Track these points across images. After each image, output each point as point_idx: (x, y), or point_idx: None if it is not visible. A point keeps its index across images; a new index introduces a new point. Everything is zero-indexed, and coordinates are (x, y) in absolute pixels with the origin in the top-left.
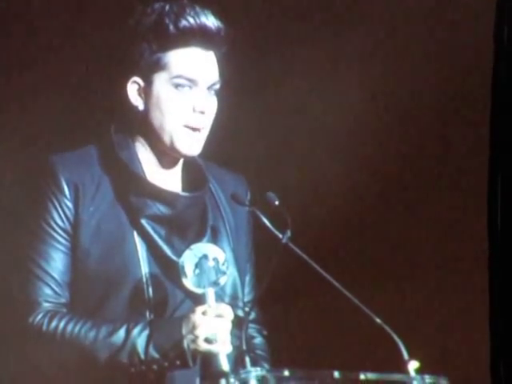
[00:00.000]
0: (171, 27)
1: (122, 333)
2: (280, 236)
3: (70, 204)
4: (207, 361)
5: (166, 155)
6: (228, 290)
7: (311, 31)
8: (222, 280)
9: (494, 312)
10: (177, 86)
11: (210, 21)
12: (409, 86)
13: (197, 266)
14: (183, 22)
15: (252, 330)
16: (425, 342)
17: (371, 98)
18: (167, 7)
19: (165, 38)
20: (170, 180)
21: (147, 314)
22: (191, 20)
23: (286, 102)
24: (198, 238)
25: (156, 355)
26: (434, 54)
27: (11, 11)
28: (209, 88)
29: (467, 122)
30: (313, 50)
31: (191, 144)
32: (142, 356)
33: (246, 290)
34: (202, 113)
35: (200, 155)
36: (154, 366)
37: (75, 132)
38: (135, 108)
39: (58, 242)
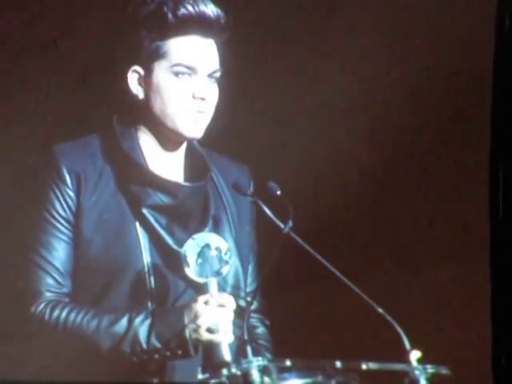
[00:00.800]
0: (170, 15)
1: (124, 322)
2: (282, 226)
3: (71, 193)
4: (209, 350)
5: (169, 142)
6: (230, 280)
7: (314, 21)
8: (225, 270)
9: (496, 302)
10: (177, 73)
11: (209, 9)
12: (408, 83)
13: (199, 255)
14: (182, 10)
15: (254, 319)
16: (426, 331)
17: (371, 90)
18: None
19: (164, 26)
20: (172, 170)
21: (149, 303)
22: (190, 8)
23: (288, 91)
24: (199, 228)
25: (158, 344)
26: (434, 51)
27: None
28: (209, 75)
29: (468, 119)
30: (315, 39)
31: (193, 126)
32: (144, 345)
33: (249, 279)
34: (203, 99)
35: (202, 144)
36: (156, 356)
37: (77, 121)
38: (136, 97)
39: (60, 231)
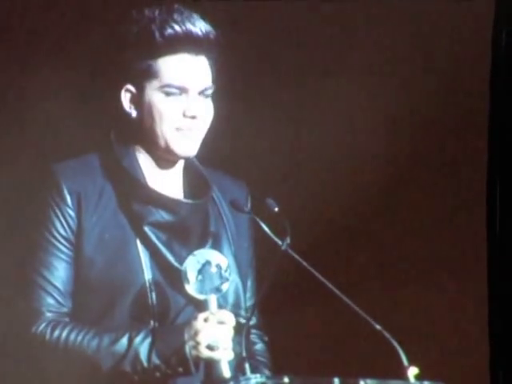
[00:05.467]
0: (157, 35)
1: (124, 341)
2: (280, 243)
3: (72, 213)
4: (209, 367)
5: (165, 160)
6: (230, 298)
7: (311, 36)
8: (225, 286)
9: (494, 317)
10: (167, 93)
11: (197, 26)
12: (407, 93)
13: (200, 272)
14: (168, 30)
15: (253, 335)
16: (424, 348)
17: (370, 105)
18: (155, 13)
19: (152, 45)
20: (170, 187)
21: (150, 321)
22: (177, 27)
23: (286, 106)
24: (200, 245)
25: (159, 362)
26: (430, 68)
27: (11, 22)
28: (200, 93)
29: (465, 134)
30: (315, 52)
31: (186, 145)
32: (145, 364)
33: (248, 295)
34: (193, 117)
35: (200, 160)
36: (157, 374)
37: (77, 140)
38: (130, 115)
39: (61, 251)
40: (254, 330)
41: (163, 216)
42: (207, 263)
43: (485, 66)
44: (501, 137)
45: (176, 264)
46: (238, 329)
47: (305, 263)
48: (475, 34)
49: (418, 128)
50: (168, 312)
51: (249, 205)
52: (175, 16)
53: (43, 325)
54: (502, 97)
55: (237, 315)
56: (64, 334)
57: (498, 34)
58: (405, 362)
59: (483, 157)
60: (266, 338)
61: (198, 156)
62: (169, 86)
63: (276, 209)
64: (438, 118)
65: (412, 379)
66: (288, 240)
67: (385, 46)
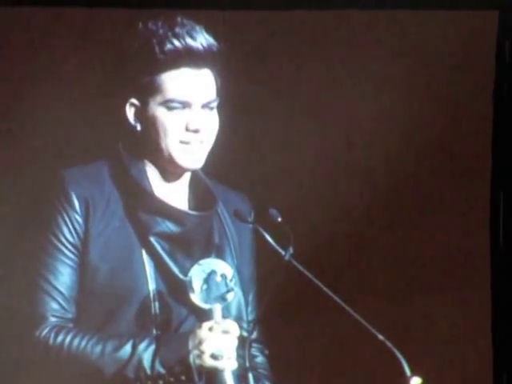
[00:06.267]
0: (157, 51)
1: (128, 348)
2: (283, 253)
3: (79, 219)
4: (212, 377)
5: (171, 172)
6: (233, 311)
7: (314, 45)
8: (230, 296)
9: (497, 327)
10: (170, 108)
11: (198, 41)
12: (410, 99)
13: (205, 281)
14: (168, 46)
15: (254, 349)
16: (427, 358)
17: (372, 112)
18: (157, 27)
19: (153, 61)
20: (176, 198)
21: (153, 330)
22: (176, 43)
23: (287, 118)
24: (203, 257)
25: (162, 370)
26: (435, 78)
27: (16, 34)
28: (203, 106)
29: (468, 145)
30: (316, 63)
31: (191, 158)
32: (148, 371)
33: (249, 309)
34: (196, 131)
35: (204, 172)
36: (160, 382)
37: (86, 146)
38: (135, 128)
39: (67, 256)
40: (254, 344)
41: (169, 227)
42: (212, 272)
43: (489, 76)
44: (505, 142)
45: (180, 276)
46: (241, 342)
47: (308, 273)
48: (479, 45)
49: (421, 134)
50: (170, 322)
51: (252, 217)
52: (176, 30)
53: (47, 329)
54: (506, 104)
55: (239, 328)
56: (68, 339)
57: (502, 45)
58: (408, 372)
59: (487, 162)
60: (267, 352)
61: (202, 168)
62: (171, 100)
63: (279, 219)
64: (441, 124)
65: None
66: (291, 250)
67: (387, 57)
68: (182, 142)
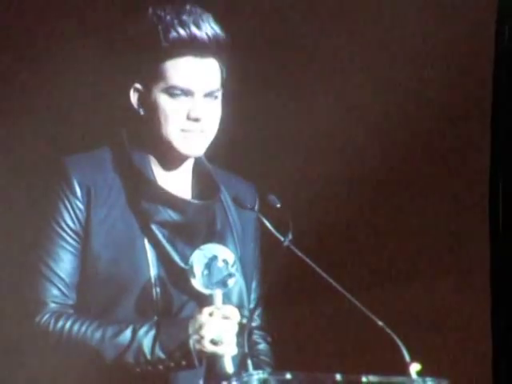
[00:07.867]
0: (162, 38)
1: (128, 333)
2: (282, 239)
3: (81, 206)
4: (212, 362)
5: (172, 159)
6: (234, 298)
7: (318, 33)
8: (231, 282)
9: (496, 313)
10: (172, 95)
11: (203, 30)
12: (409, 89)
13: (206, 266)
14: (173, 34)
15: (256, 336)
16: (426, 344)
17: (372, 100)
18: (164, 14)
19: (158, 48)
20: (179, 186)
21: (154, 317)
22: (181, 31)
23: (289, 104)
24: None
25: (162, 355)
26: (433, 63)
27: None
28: (206, 95)
29: (468, 129)
30: (320, 50)
31: (191, 145)
32: (149, 356)
33: (252, 296)
34: (197, 120)
35: (208, 159)
36: (160, 366)
37: (89, 133)
38: (138, 113)
39: (68, 243)
40: (257, 331)
41: (171, 215)
42: (214, 258)
43: (488, 60)
44: (504, 133)
45: (181, 264)
46: (241, 329)
47: (307, 259)
48: (478, 28)
49: (421, 123)
50: (171, 308)
51: (257, 206)
52: (183, 17)
53: (47, 315)
54: (505, 93)
55: (240, 316)
56: (68, 325)
57: (501, 28)
58: (407, 358)
59: (486, 156)
60: (269, 339)
61: (206, 155)
62: (174, 87)
63: (278, 205)
64: (440, 113)
65: (414, 375)
66: (290, 236)
67: (386, 42)
68: (182, 130)
